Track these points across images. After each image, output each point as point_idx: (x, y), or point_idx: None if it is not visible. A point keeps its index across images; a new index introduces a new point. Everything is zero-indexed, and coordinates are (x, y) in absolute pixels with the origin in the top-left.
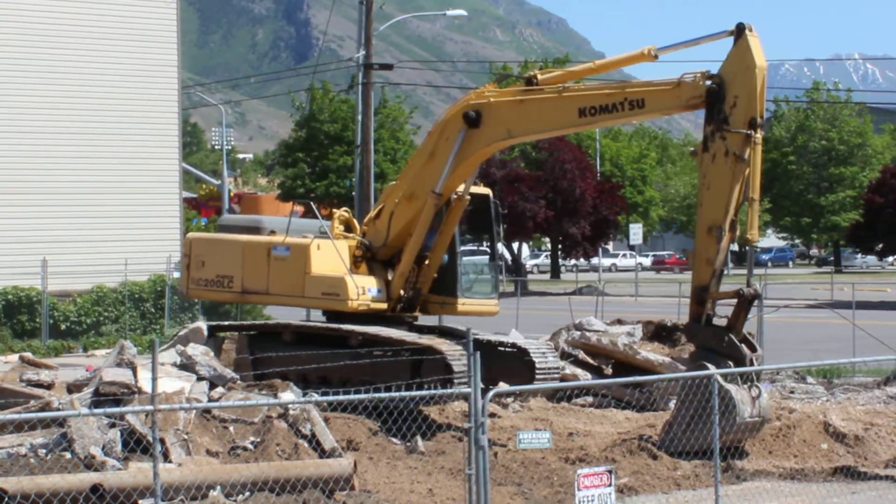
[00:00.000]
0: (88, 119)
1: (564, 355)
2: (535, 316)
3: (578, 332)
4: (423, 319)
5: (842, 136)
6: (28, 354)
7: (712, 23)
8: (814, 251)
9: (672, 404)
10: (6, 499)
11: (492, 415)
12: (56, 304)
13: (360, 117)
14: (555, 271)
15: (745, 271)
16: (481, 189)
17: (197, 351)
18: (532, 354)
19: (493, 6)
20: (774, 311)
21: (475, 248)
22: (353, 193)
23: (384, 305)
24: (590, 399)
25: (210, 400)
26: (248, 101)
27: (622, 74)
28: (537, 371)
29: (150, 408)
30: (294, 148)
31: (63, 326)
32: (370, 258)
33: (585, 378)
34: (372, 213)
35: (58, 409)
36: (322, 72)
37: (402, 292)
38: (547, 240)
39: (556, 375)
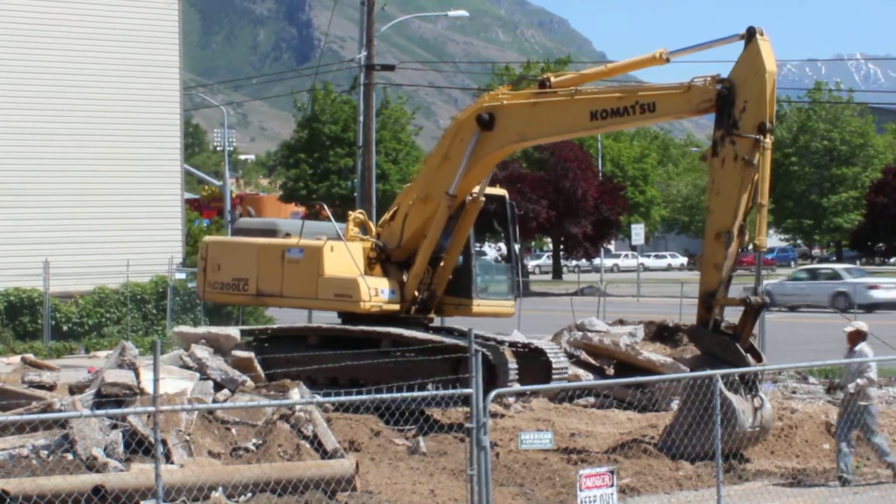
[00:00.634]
0: (90, 121)
1: (566, 356)
2: (537, 316)
3: (580, 333)
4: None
5: (844, 136)
6: (30, 356)
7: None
8: (816, 252)
9: (674, 405)
10: (8, 500)
11: (493, 415)
12: (58, 306)
13: (361, 118)
14: (556, 272)
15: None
16: (497, 190)
17: (206, 353)
18: (548, 354)
19: (495, 7)
20: (776, 310)
21: (478, 248)
22: (355, 194)
23: (397, 307)
24: (591, 399)
25: (214, 401)
26: (250, 102)
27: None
28: (554, 371)
29: (151, 409)
30: (296, 149)
31: (65, 328)
32: (385, 260)
33: (587, 378)
34: (387, 215)
35: (60, 411)
36: (324, 73)
37: (416, 294)
38: (549, 240)
39: (566, 375)
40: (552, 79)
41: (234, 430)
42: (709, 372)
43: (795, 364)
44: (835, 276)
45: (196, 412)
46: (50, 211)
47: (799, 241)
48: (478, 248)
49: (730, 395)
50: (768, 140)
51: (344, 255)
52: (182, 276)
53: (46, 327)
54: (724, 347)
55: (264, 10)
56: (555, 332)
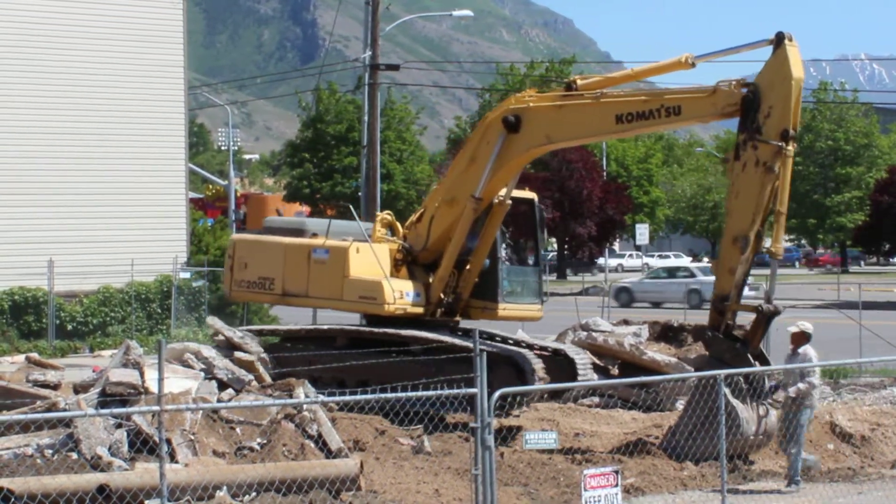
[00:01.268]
0: (95, 119)
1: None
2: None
3: (585, 333)
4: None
5: (848, 136)
6: (34, 355)
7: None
8: (820, 251)
9: (679, 405)
10: (13, 499)
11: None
12: (62, 305)
13: (366, 118)
14: (561, 271)
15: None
16: (526, 193)
17: (213, 352)
18: (576, 362)
19: (500, 7)
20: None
21: (507, 249)
22: (359, 194)
23: (422, 310)
24: (596, 399)
25: (218, 401)
26: (255, 102)
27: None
28: (579, 377)
29: (156, 408)
30: (300, 148)
31: (69, 327)
32: (411, 262)
33: (592, 378)
34: (413, 217)
35: (64, 410)
36: (328, 72)
37: (442, 297)
38: (554, 240)
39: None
40: (579, 82)
41: (238, 430)
42: (713, 372)
43: (799, 364)
44: (689, 274)
45: (201, 411)
46: (54, 210)
47: (803, 241)
48: (507, 252)
49: (735, 402)
50: (791, 148)
51: (369, 257)
52: (186, 275)
53: (51, 326)
54: (732, 353)
55: (269, 9)
56: (559, 332)
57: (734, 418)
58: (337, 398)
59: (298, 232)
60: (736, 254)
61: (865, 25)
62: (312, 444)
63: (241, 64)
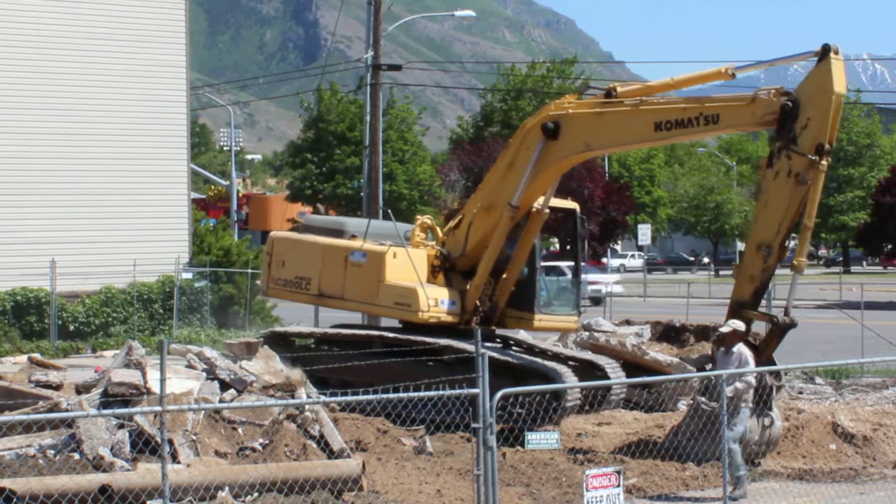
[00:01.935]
0: (97, 120)
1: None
2: None
3: (587, 333)
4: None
5: (850, 136)
6: (37, 355)
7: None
8: (822, 252)
9: (681, 405)
10: (15, 500)
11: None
12: (64, 305)
13: (368, 118)
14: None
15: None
16: (568, 203)
17: (215, 353)
18: (606, 370)
19: (502, 7)
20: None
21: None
22: (362, 194)
23: (457, 318)
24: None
25: (220, 401)
26: (257, 102)
27: (629, 75)
28: (612, 390)
29: (158, 409)
30: (302, 148)
31: (72, 327)
32: (449, 268)
33: (623, 392)
34: (452, 223)
35: (66, 410)
36: (330, 72)
37: (478, 305)
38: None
39: (622, 394)
40: (618, 89)
41: (240, 430)
42: (715, 372)
43: (802, 364)
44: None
45: (203, 412)
46: (57, 210)
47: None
48: (548, 262)
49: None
50: (824, 162)
51: (406, 262)
52: (188, 275)
53: (53, 327)
54: None
55: (271, 9)
56: (561, 333)
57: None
58: (339, 398)
59: (337, 232)
60: (758, 261)
61: (868, 25)
62: (314, 445)
63: (244, 64)
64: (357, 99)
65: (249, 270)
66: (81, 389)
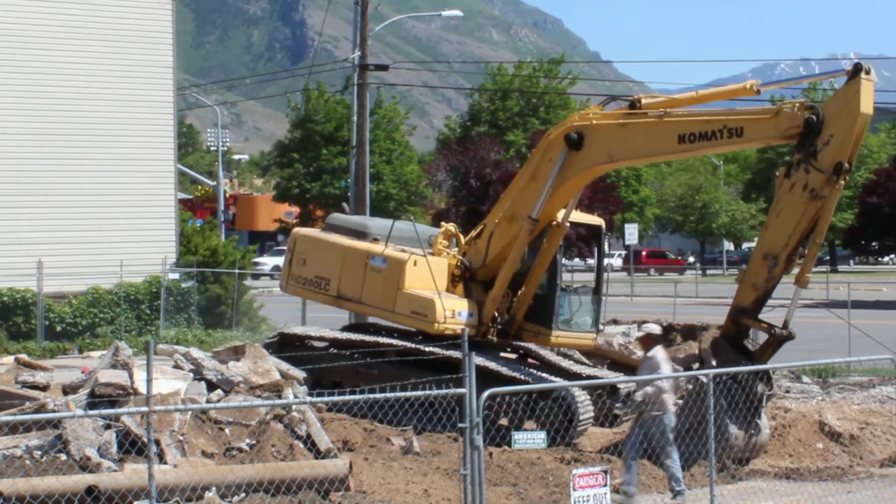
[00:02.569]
0: (84, 120)
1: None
2: None
3: None
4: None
5: None
6: (23, 356)
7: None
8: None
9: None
10: (2, 500)
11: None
12: (51, 306)
13: (355, 118)
14: None
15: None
16: (594, 219)
17: (202, 353)
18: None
19: (489, 7)
20: (770, 310)
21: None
22: (349, 194)
23: (474, 332)
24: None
25: (207, 402)
26: (244, 102)
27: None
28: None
29: (145, 409)
30: (289, 148)
31: (58, 328)
32: (469, 278)
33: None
34: (474, 232)
35: (53, 411)
36: (317, 73)
37: (496, 316)
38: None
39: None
40: (642, 100)
41: (227, 431)
42: (702, 371)
43: (789, 363)
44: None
45: (189, 412)
46: (43, 211)
47: None
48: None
49: (730, 424)
50: (841, 182)
51: (426, 271)
52: (175, 276)
53: (40, 327)
54: (736, 366)
55: (258, 10)
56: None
57: (723, 432)
58: (325, 399)
59: (360, 234)
60: (763, 270)
61: (855, 25)
62: (301, 445)
63: (231, 64)
64: (344, 99)
65: (237, 271)
66: (68, 390)
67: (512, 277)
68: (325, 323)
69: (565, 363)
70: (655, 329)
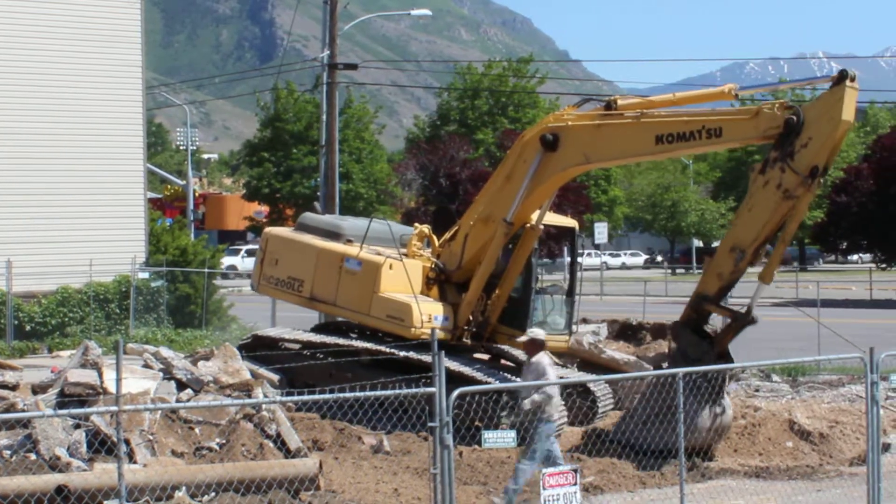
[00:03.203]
0: (52, 119)
1: None
2: None
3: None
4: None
5: None
6: None
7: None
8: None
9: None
10: None
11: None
12: (21, 305)
13: (324, 117)
14: None
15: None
16: (567, 221)
17: (171, 352)
18: (594, 389)
19: (458, 6)
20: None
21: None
22: (318, 193)
23: (449, 335)
24: None
25: (177, 401)
26: (213, 101)
27: (585, 73)
28: (599, 405)
29: (114, 408)
30: (259, 148)
31: (28, 327)
32: (444, 281)
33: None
34: (447, 235)
35: (22, 411)
36: (286, 72)
37: (469, 319)
38: None
39: (609, 409)
40: (618, 101)
41: (197, 430)
42: (672, 370)
43: (759, 362)
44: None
45: (159, 412)
46: (12, 210)
47: None
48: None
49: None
50: (815, 185)
51: (401, 274)
52: (145, 275)
53: (9, 327)
54: (698, 350)
55: (227, 9)
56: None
57: (690, 416)
58: (295, 398)
59: (333, 234)
60: (729, 262)
61: (823, 24)
62: (271, 444)
63: (200, 63)
64: (314, 98)
65: (206, 270)
66: (38, 389)
67: (487, 280)
68: (295, 322)
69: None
70: (540, 334)
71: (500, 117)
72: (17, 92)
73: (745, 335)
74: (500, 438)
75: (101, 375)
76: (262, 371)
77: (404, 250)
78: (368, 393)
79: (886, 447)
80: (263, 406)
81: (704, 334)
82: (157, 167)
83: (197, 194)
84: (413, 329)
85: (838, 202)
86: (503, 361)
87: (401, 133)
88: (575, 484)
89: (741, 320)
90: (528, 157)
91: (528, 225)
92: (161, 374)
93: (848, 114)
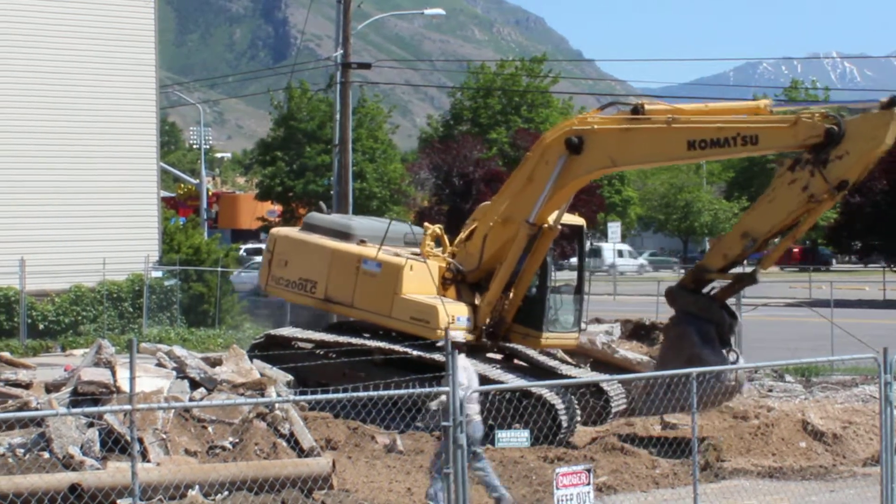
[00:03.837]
0: (66, 118)
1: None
2: None
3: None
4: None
5: None
6: (6, 354)
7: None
8: (794, 250)
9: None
10: None
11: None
12: (34, 304)
13: (337, 116)
14: None
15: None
16: (575, 219)
17: (185, 351)
18: (607, 392)
19: (471, 5)
20: (752, 309)
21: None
22: (332, 192)
23: (471, 336)
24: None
25: (190, 400)
26: (226, 101)
27: (599, 73)
28: (612, 406)
29: (128, 407)
30: (272, 147)
31: (41, 326)
32: (460, 281)
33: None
34: (462, 235)
35: (36, 409)
36: (300, 71)
37: (487, 320)
38: None
39: (622, 407)
40: (645, 105)
41: (210, 429)
42: (685, 370)
43: (772, 362)
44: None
45: (173, 410)
46: (26, 209)
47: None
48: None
49: (706, 350)
50: (839, 196)
51: (423, 276)
52: (158, 274)
53: (22, 325)
54: (699, 304)
55: (240, 8)
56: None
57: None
58: (308, 398)
59: (344, 235)
60: (738, 246)
61: (837, 24)
62: (285, 443)
63: (213, 62)
64: (327, 97)
65: (219, 269)
66: (51, 388)
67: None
68: (307, 322)
69: (552, 363)
70: (459, 337)
71: (514, 117)
72: (30, 91)
73: (759, 335)
74: (513, 438)
75: (114, 374)
76: (270, 371)
77: (416, 250)
78: (382, 392)
79: None
80: (277, 405)
81: (699, 294)
82: (171, 166)
83: (210, 193)
84: (439, 331)
85: (852, 203)
86: (516, 361)
87: (414, 132)
88: (588, 484)
89: (743, 278)
90: (550, 159)
91: (546, 225)
92: (174, 372)
93: (890, 139)
